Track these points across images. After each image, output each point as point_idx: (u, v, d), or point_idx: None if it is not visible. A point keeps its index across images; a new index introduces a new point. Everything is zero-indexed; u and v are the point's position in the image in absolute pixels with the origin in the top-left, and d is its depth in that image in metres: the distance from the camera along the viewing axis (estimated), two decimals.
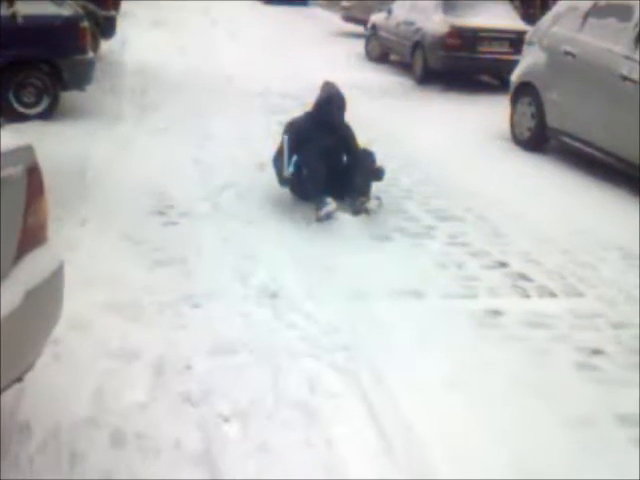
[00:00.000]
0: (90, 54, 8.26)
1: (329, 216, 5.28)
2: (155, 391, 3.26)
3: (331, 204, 5.30)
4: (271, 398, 3.26)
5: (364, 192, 5.55)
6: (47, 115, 7.84)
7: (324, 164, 5.45)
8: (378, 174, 5.75)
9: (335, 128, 5.77)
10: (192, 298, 4.13)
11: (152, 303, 4.02)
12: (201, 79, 10.76)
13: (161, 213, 5.47)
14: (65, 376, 3.28)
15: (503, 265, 4.92)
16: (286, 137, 5.68)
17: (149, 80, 10.33)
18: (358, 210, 5.43)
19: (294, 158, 5.63)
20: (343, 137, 5.84)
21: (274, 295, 4.23)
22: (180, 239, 4.98)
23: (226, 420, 3.09)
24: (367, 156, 5.73)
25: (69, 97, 8.29)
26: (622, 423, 3.24)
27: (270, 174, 5.92)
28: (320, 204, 5.31)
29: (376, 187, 5.78)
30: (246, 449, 2.92)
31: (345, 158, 5.83)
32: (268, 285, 4.34)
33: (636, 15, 6.90)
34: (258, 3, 23.61)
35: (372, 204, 5.53)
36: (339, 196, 5.47)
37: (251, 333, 3.79)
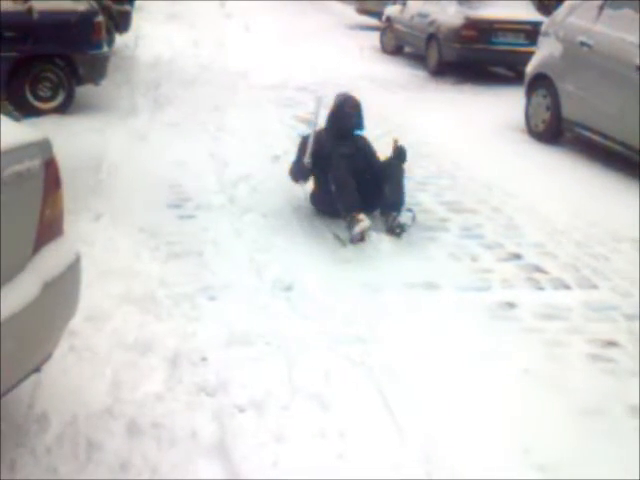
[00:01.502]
0: (105, 49, 8.31)
1: (362, 236, 4.84)
2: (171, 382, 3.29)
3: (364, 221, 4.84)
4: (286, 389, 3.29)
5: (396, 206, 5.13)
6: (62, 109, 7.90)
7: (353, 178, 5.05)
8: (400, 155, 5.35)
9: (351, 135, 5.45)
10: (208, 290, 4.17)
11: (168, 295, 4.06)
12: (215, 73, 10.78)
13: (176, 206, 5.50)
14: (82, 367, 3.33)
15: (517, 257, 4.91)
16: (318, 99, 5.51)
17: (163, 74, 10.36)
18: (392, 227, 5.01)
19: (310, 141, 5.24)
20: (361, 146, 5.48)
21: (289, 287, 4.25)
22: (196, 232, 5.01)
23: (242, 411, 3.12)
24: (394, 166, 5.29)
25: (84, 91, 8.34)
26: (634, 414, 3.24)
27: (285, 166, 5.92)
28: (352, 222, 4.85)
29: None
30: (261, 439, 2.95)
31: (369, 169, 5.34)
32: (283, 278, 4.36)
33: None
34: None
35: (405, 217, 5.12)
36: (366, 210, 5.01)
37: (266, 325, 3.82)
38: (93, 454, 2.80)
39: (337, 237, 4.96)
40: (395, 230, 4.98)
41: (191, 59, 11.62)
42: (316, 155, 5.18)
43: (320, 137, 5.34)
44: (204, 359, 3.49)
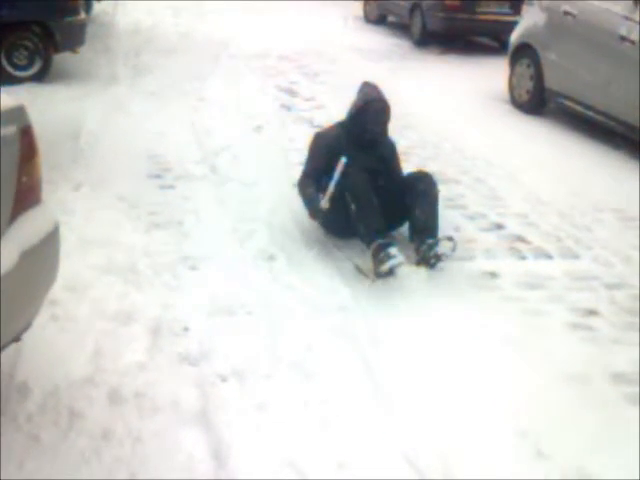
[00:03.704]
0: (82, 15, 8.16)
1: (393, 272, 3.99)
2: (153, 351, 3.28)
3: (397, 257, 3.97)
4: (269, 358, 3.28)
5: (432, 232, 4.23)
6: (39, 77, 7.77)
7: (375, 195, 4.24)
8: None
9: (375, 144, 4.56)
10: (189, 260, 4.15)
11: (149, 265, 4.03)
12: (196, 41, 10.65)
13: (157, 176, 5.45)
14: (63, 337, 3.31)
15: (500, 227, 4.92)
16: (343, 159, 4.22)
17: (143, 42, 10.21)
18: (425, 258, 4.11)
19: (331, 184, 4.21)
20: (385, 157, 4.62)
21: (272, 257, 4.24)
22: (177, 202, 4.97)
23: (224, 380, 3.12)
24: (426, 182, 4.42)
25: (61, 59, 8.21)
26: (616, 381, 3.28)
27: (267, 136, 5.90)
28: (381, 256, 3.99)
29: None
30: (243, 408, 2.95)
31: (391, 183, 4.47)
32: (266, 247, 4.34)
33: None
34: None
35: (444, 247, 4.18)
36: (386, 232, 4.26)
37: (249, 295, 3.80)
38: (75, 422, 2.79)
39: (358, 269, 4.16)
40: (430, 261, 4.10)
41: (172, 27, 11.48)
42: (326, 157, 4.41)
43: (333, 135, 4.58)
44: (186, 329, 3.48)
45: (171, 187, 5.27)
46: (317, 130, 4.81)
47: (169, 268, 4.03)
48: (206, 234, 4.49)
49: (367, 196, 4.19)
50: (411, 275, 4.00)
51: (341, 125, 4.64)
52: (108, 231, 4.37)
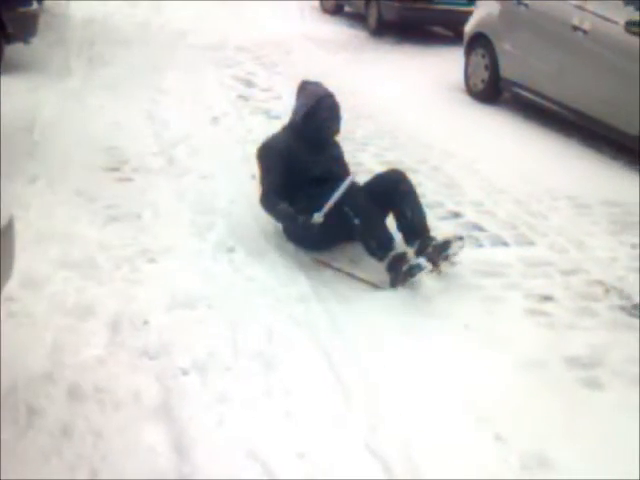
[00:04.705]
0: (34, 5, 7.98)
1: (413, 273, 3.87)
2: (113, 346, 3.26)
3: (423, 264, 3.87)
4: (230, 350, 3.28)
5: (427, 231, 4.15)
6: None
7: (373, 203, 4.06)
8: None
9: (327, 144, 4.42)
10: (148, 253, 4.11)
11: (107, 259, 4.00)
12: (152, 32, 10.52)
13: (114, 169, 5.38)
14: (21, 333, 3.27)
15: (457, 216, 4.98)
16: (350, 177, 4.10)
17: (98, 33, 10.05)
18: (435, 260, 3.98)
19: (334, 197, 3.96)
20: (336, 157, 4.49)
21: (231, 249, 4.23)
22: (134, 195, 4.91)
23: (185, 373, 3.11)
24: (406, 182, 4.26)
25: (13, 50, 8.04)
26: (570, 365, 3.35)
27: (225, 127, 5.86)
28: (405, 267, 3.86)
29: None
30: (206, 401, 2.95)
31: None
32: (225, 240, 4.33)
33: None
34: None
35: (455, 247, 4.03)
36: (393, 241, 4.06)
37: (209, 287, 3.79)
38: (34, 419, 2.76)
39: (371, 283, 3.96)
40: (438, 263, 4.00)
41: (127, 18, 11.30)
42: (286, 171, 4.20)
43: (284, 142, 4.32)
44: (146, 322, 3.46)
45: (129, 180, 5.21)
46: (263, 142, 4.42)
47: (128, 262, 3.99)
48: (165, 227, 4.46)
49: (371, 209, 4.04)
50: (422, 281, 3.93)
51: (289, 129, 4.41)
52: (65, 225, 4.32)
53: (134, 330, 3.40)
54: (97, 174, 5.23)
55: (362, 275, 4.04)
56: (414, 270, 3.86)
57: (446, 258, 4.02)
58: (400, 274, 3.87)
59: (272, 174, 4.24)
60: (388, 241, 4.01)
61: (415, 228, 4.14)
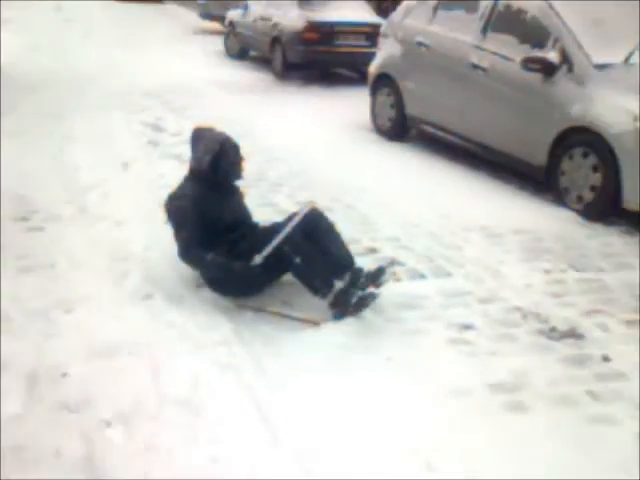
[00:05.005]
0: None
1: (366, 302, 4.00)
2: (31, 401, 3.14)
3: (377, 292, 4.06)
4: (154, 398, 3.21)
5: (351, 260, 4.23)
6: None
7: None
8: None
9: (230, 189, 4.42)
10: (63, 304, 3.99)
11: (20, 312, 3.87)
12: (57, 79, 10.38)
13: (24, 219, 5.23)
14: None
15: (374, 251, 5.02)
16: (302, 212, 4.15)
17: (4, 81, 9.81)
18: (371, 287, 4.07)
19: (279, 238, 3.96)
20: (240, 199, 4.51)
21: (149, 296, 4.15)
22: (46, 244, 4.78)
23: (108, 424, 3.02)
24: (323, 218, 4.30)
25: None
26: (493, 391, 3.40)
27: (136, 173, 5.78)
28: (354, 297, 3.95)
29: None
30: (131, 451, 2.87)
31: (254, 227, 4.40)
32: (142, 286, 4.25)
33: (481, 6, 7.23)
34: (111, 1, 22.96)
35: (388, 275, 4.16)
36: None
37: (128, 334, 3.70)
38: None
39: (312, 322, 3.93)
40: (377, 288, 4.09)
41: (31, 65, 11.11)
42: (204, 221, 4.11)
43: (192, 192, 4.20)
44: (64, 375, 3.34)
45: (40, 229, 5.07)
46: (169, 195, 4.29)
47: (43, 313, 3.87)
48: (79, 276, 4.35)
49: (311, 247, 4.05)
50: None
51: (193, 179, 4.28)
52: None
53: (52, 383, 3.28)
54: (6, 224, 5.07)
55: (300, 315, 4.01)
56: (367, 299, 3.95)
57: (378, 286, 4.07)
58: (350, 306, 3.92)
59: (188, 227, 4.13)
60: (331, 276, 4.02)
61: (342, 262, 4.16)
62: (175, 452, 2.89)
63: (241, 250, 4.06)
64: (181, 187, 4.32)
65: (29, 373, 3.32)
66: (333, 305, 3.97)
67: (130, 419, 3.06)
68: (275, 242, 3.95)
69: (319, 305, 4.01)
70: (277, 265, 4.02)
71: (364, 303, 3.96)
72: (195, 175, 4.30)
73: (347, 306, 3.93)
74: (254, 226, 4.44)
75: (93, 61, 11.66)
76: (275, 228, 4.18)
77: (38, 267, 4.43)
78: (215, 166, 4.21)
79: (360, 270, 4.11)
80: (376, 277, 4.07)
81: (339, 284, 4.00)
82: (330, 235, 4.22)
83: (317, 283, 4.01)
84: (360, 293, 3.97)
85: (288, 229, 4.00)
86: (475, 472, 2.82)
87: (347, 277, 4.05)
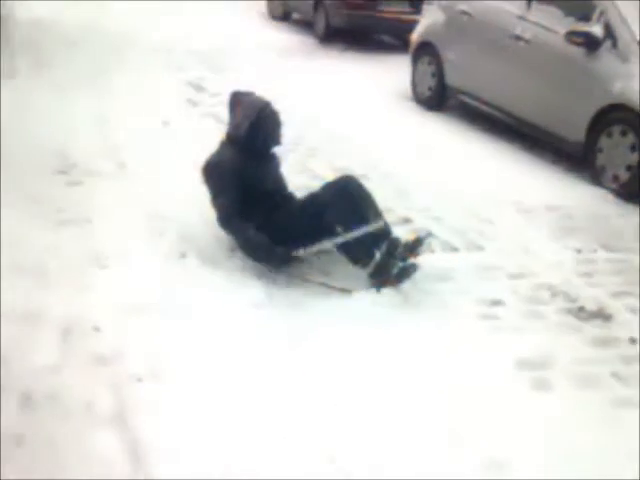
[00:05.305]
0: None
1: (408, 273, 3.95)
2: (64, 353, 3.21)
3: (417, 264, 4.00)
4: (185, 356, 3.26)
5: (390, 232, 4.15)
6: None
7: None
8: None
9: (269, 156, 4.35)
10: (98, 259, 4.06)
11: (58, 265, 3.93)
12: (101, 35, 10.39)
13: (64, 172, 5.30)
14: None
15: (407, 222, 5.02)
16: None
17: (44, 35, 9.90)
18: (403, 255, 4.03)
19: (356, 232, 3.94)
20: (278, 166, 4.43)
21: (183, 255, 4.20)
22: (84, 199, 4.84)
23: (139, 379, 3.08)
24: (358, 185, 4.22)
25: None
26: (518, 367, 3.41)
27: (174, 131, 5.80)
28: (395, 268, 3.91)
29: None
30: (160, 407, 2.92)
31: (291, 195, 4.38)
32: (177, 245, 4.29)
33: None
34: None
35: (425, 245, 4.16)
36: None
37: (161, 293, 3.76)
38: None
39: (348, 291, 3.91)
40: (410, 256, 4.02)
41: (74, 20, 11.14)
42: (243, 188, 4.05)
43: (229, 159, 4.14)
44: (97, 329, 3.40)
45: (78, 183, 5.14)
46: (207, 160, 4.22)
47: (78, 267, 3.94)
48: (115, 232, 4.40)
49: (350, 215, 4.01)
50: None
51: (231, 144, 4.20)
52: (14, 230, 4.21)
53: (86, 336, 3.34)
54: (46, 178, 5.15)
55: (335, 283, 3.98)
56: (409, 270, 3.89)
57: (416, 257, 4.01)
58: (392, 276, 3.87)
59: (227, 194, 4.07)
60: (372, 247, 3.96)
61: (379, 231, 4.07)
62: (202, 409, 2.93)
63: (276, 220, 4.07)
64: (218, 153, 4.24)
65: (63, 325, 3.39)
66: (373, 275, 3.90)
67: (160, 375, 3.11)
68: (325, 243, 3.97)
69: (357, 274, 4.01)
70: (318, 234, 4.00)
71: (406, 274, 3.90)
72: (232, 141, 4.22)
73: (389, 276, 3.87)
74: (289, 196, 4.41)
75: (135, 20, 11.64)
76: (311, 200, 4.16)
77: (76, 221, 4.49)
78: (253, 133, 4.13)
79: (397, 240, 4.04)
80: (414, 248, 4.01)
81: (378, 254, 3.95)
82: (367, 203, 4.14)
83: (358, 253, 3.95)
84: (401, 264, 3.91)
85: (340, 239, 3.95)
86: (498, 448, 2.83)
87: (384, 247, 3.97)
